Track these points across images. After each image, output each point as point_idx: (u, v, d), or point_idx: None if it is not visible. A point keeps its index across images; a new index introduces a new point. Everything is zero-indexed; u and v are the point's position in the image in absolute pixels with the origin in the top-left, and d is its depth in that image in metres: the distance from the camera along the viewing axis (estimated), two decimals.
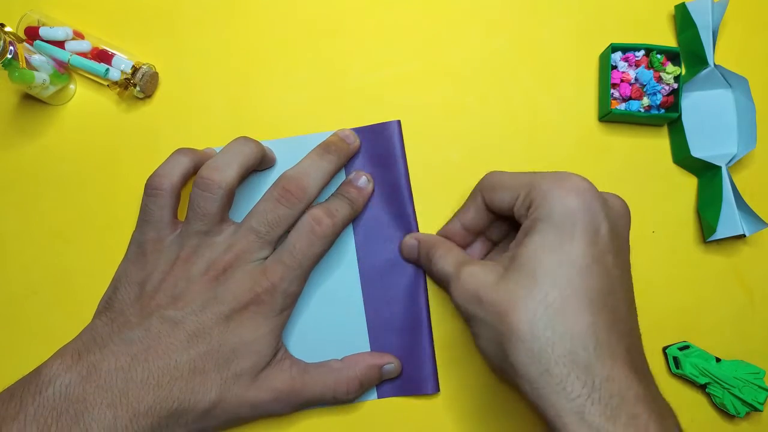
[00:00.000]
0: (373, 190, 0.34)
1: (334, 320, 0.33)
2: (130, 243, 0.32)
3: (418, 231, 0.34)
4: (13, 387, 0.27)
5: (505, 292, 0.24)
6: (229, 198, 0.31)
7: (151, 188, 0.31)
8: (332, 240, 0.32)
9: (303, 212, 0.31)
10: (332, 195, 0.33)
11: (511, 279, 0.25)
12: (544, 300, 0.23)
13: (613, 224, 0.26)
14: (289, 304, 0.31)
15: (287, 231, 0.31)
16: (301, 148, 0.33)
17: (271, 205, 0.31)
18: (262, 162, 0.33)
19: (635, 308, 0.27)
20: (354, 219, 0.34)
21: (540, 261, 0.24)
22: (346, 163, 0.34)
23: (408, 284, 0.34)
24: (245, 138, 0.32)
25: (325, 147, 0.33)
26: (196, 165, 0.32)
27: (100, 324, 0.30)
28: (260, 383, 0.30)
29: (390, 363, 0.33)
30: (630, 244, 0.28)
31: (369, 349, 0.33)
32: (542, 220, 0.25)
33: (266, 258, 0.31)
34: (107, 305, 0.31)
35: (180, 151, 0.32)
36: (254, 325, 0.30)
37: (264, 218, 0.30)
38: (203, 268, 0.30)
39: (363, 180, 0.34)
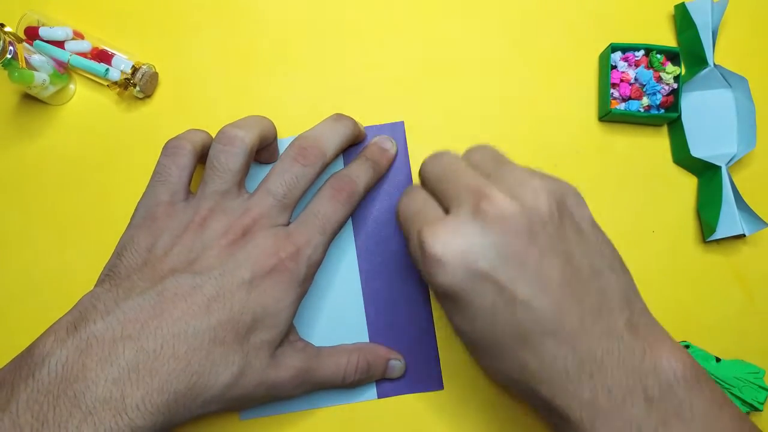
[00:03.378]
0: (396, 154, 0.34)
1: (333, 319, 0.33)
2: (136, 209, 0.29)
3: None
4: (2, 372, 0.24)
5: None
6: (250, 158, 0.30)
7: (171, 148, 0.30)
8: (355, 206, 0.31)
9: (320, 174, 0.30)
10: (355, 158, 0.33)
11: None
12: None
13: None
14: (310, 274, 0.29)
15: (303, 194, 0.30)
16: None
17: (288, 164, 0.29)
18: (270, 150, 0.33)
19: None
20: (375, 184, 0.34)
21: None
22: (356, 141, 0.34)
23: (409, 282, 0.34)
24: (260, 115, 0.32)
25: (338, 116, 0.33)
26: (210, 138, 0.31)
27: (102, 291, 0.26)
28: (278, 361, 0.28)
29: (397, 360, 0.33)
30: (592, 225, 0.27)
31: None
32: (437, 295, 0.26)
33: (284, 225, 0.29)
34: (110, 273, 0.27)
35: (195, 129, 0.31)
36: (277, 295, 0.27)
37: (281, 178, 0.29)
38: (220, 231, 0.28)
39: (387, 143, 0.34)
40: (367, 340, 0.33)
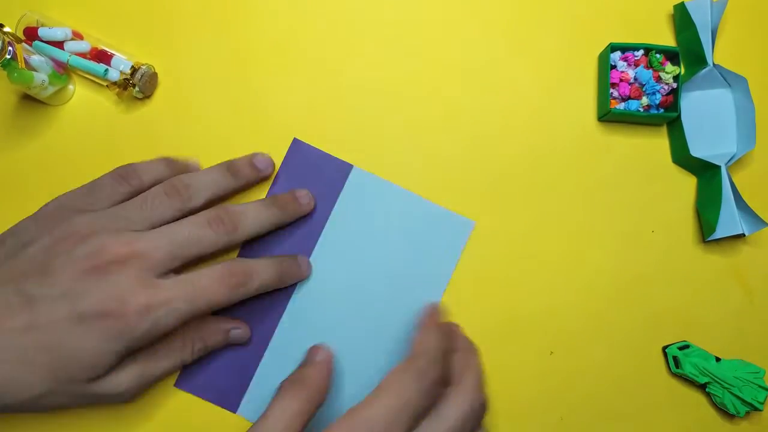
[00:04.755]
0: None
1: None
2: (49, 202, 0.30)
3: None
4: None
5: None
6: (181, 217, 0.30)
7: (120, 173, 0.30)
8: (239, 299, 0.29)
9: (226, 246, 0.29)
10: (273, 257, 0.32)
11: None
12: None
13: None
14: (152, 335, 0.27)
15: (199, 260, 0.29)
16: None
17: (199, 223, 0.29)
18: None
19: None
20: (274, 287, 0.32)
21: None
22: (291, 221, 0.33)
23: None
24: (231, 166, 0.32)
25: (275, 200, 0.32)
26: (172, 174, 0.32)
27: None
28: (99, 384, 0.27)
29: (237, 328, 0.32)
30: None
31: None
32: None
33: (160, 274, 0.27)
34: None
35: (164, 160, 0.32)
36: (102, 340, 0.26)
37: (186, 232, 0.28)
38: (90, 251, 0.26)
39: (306, 263, 0.33)
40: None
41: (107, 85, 0.34)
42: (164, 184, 0.30)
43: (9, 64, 0.31)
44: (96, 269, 0.26)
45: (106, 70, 0.34)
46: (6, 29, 0.33)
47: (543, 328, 0.34)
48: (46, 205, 0.30)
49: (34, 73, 0.32)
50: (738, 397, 0.32)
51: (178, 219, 0.29)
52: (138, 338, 0.26)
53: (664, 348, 0.34)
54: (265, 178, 0.34)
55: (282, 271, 0.32)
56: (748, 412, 0.33)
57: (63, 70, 0.35)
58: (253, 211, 0.31)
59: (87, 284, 0.26)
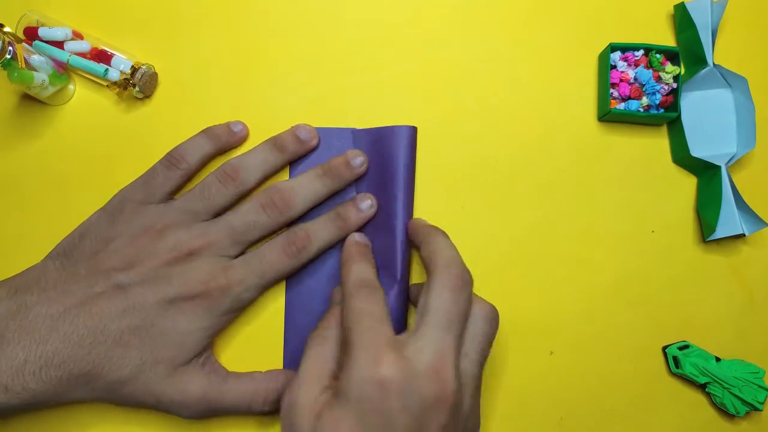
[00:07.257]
0: (375, 215, 0.33)
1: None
2: (114, 196, 0.32)
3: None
4: None
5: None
6: (241, 197, 0.32)
7: (170, 158, 0.32)
8: (304, 262, 0.32)
9: (282, 226, 0.32)
10: (328, 212, 0.32)
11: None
12: None
13: (410, 420, 0.23)
14: (236, 309, 0.31)
15: (262, 238, 0.32)
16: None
17: (255, 207, 0.31)
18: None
19: None
20: (337, 242, 0.32)
21: None
22: (344, 188, 0.33)
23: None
24: (270, 145, 0.33)
25: (328, 169, 0.32)
26: (217, 152, 0.34)
27: (51, 268, 0.30)
28: (173, 380, 0.29)
29: None
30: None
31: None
32: (341, 393, 0.24)
33: (232, 257, 0.31)
34: (66, 251, 0.31)
35: (207, 134, 0.33)
36: (192, 318, 0.29)
37: (244, 219, 0.31)
38: (170, 245, 0.30)
39: (367, 204, 0.32)
40: (281, 367, 0.32)
41: (107, 85, 0.34)
42: (216, 172, 0.32)
43: (9, 64, 0.31)
44: (177, 259, 0.29)
45: (106, 70, 0.34)
46: (6, 29, 0.33)
47: (543, 328, 0.34)
48: (111, 199, 0.32)
49: (34, 73, 0.32)
50: (738, 397, 0.32)
51: (237, 201, 0.32)
52: (222, 314, 0.30)
53: (664, 348, 0.34)
54: (311, 149, 0.34)
55: (340, 223, 0.32)
56: (748, 412, 0.33)
57: (63, 70, 0.35)
58: (305, 185, 0.32)
59: (171, 271, 0.29)
